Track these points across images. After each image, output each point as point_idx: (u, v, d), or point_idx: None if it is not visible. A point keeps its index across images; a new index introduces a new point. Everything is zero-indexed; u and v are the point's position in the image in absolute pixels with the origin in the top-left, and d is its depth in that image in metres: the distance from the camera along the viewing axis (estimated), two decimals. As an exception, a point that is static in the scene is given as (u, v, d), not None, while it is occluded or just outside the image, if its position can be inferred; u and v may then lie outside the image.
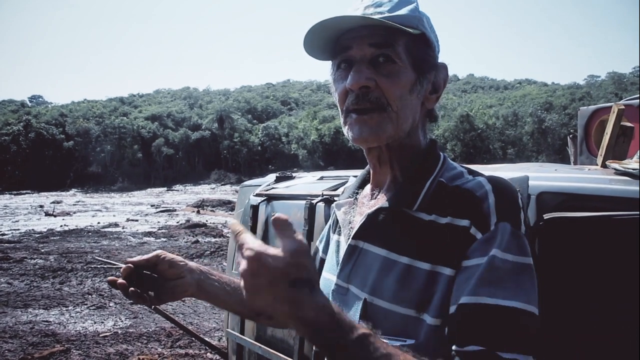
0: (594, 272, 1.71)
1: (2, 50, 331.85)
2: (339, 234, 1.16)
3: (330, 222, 1.28)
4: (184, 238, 14.92)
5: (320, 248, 1.32)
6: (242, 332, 3.07)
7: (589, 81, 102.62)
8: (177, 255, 1.17)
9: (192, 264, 1.20)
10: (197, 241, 14.08)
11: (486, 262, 0.89)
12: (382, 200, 1.08)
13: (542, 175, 1.91)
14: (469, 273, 0.90)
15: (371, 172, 1.16)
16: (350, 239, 1.09)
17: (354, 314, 1.01)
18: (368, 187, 1.17)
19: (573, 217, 1.65)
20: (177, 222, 19.42)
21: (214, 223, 18.55)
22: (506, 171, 2.25)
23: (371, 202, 1.12)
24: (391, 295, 0.97)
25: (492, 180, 0.99)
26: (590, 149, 3.53)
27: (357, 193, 1.19)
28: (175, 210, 25.38)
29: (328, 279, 1.14)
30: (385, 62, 1.01)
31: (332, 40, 1.04)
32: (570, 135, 4.12)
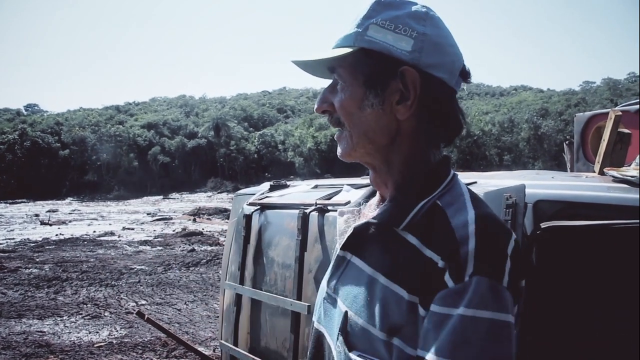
0: (593, 281, 1.69)
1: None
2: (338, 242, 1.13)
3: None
4: (180, 246, 14.88)
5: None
6: (235, 343, 3.03)
7: (584, 87, 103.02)
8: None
9: None
10: (193, 249, 14.04)
11: (454, 320, 0.83)
12: (375, 214, 1.04)
13: (539, 183, 1.89)
14: (434, 323, 0.85)
15: None
16: (339, 249, 1.07)
17: (335, 326, 1.01)
18: (374, 199, 1.12)
19: (571, 225, 1.62)
20: (173, 231, 19.38)
21: (210, 231, 18.52)
22: (502, 179, 2.23)
23: (370, 214, 1.08)
24: (367, 314, 0.94)
25: (480, 219, 0.90)
26: (587, 156, 3.51)
27: (364, 203, 1.15)
28: (171, 219, 25.34)
29: (322, 287, 1.11)
30: (337, 84, 1.02)
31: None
32: (567, 142, 4.10)
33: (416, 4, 1.00)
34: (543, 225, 1.63)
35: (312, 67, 1.07)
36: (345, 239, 1.04)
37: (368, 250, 1.00)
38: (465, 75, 1.02)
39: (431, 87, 0.97)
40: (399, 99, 0.97)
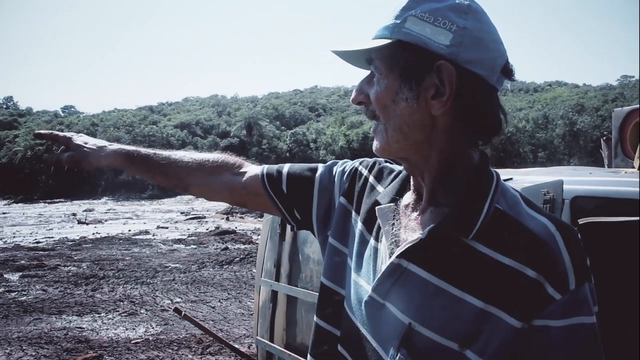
0: (632, 278, 1.66)
1: (36, 63, 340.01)
2: (378, 240, 1.07)
3: (363, 218, 1.14)
4: (213, 245, 15.02)
5: (347, 240, 1.16)
6: (271, 339, 3.06)
7: (622, 82, 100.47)
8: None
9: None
10: (226, 248, 14.16)
11: (575, 329, 0.89)
12: (431, 219, 0.99)
13: (577, 179, 1.86)
14: (555, 337, 0.89)
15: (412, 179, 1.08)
16: (394, 257, 1.00)
17: (392, 335, 0.97)
18: (409, 194, 1.08)
19: (609, 222, 1.60)
20: (207, 229, 19.56)
21: (243, 230, 18.65)
22: (539, 175, 2.21)
23: (414, 214, 1.04)
24: (436, 324, 0.93)
25: (559, 226, 0.93)
26: (626, 151, 3.44)
27: (398, 200, 1.09)
28: (204, 217, 25.58)
29: (361, 285, 1.05)
30: (375, 76, 1.01)
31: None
32: (604, 138, 4.03)
33: None
34: (581, 221, 1.61)
35: (352, 57, 1.05)
36: (403, 248, 0.98)
37: (429, 259, 0.96)
38: (508, 72, 0.99)
39: (469, 84, 0.93)
40: (434, 94, 0.94)
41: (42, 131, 1.46)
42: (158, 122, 75.90)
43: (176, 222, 24.30)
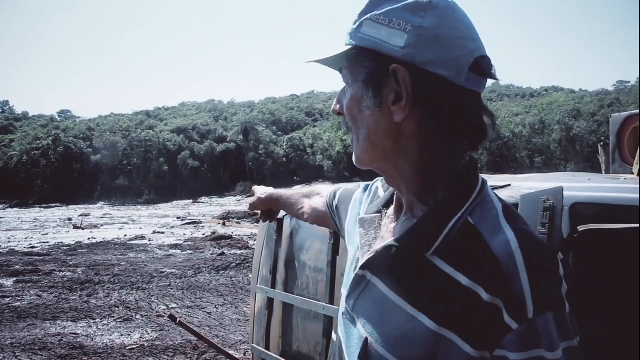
0: (633, 285, 1.64)
1: (32, 67, 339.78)
2: (360, 253, 1.03)
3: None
4: (209, 250, 14.99)
5: (349, 250, 1.15)
6: (267, 347, 3.03)
7: (618, 87, 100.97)
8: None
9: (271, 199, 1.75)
10: (222, 253, 14.11)
11: None
12: (400, 230, 0.94)
13: (576, 186, 1.85)
14: None
15: None
16: (358, 268, 0.98)
17: (355, 350, 0.94)
18: (393, 206, 1.03)
19: (609, 229, 1.58)
20: (203, 235, 19.52)
21: (239, 235, 18.61)
22: (537, 181, 2.19)
23: (391, 225, 0.99)
24: (390, 343, 0.87)
25: (525, 244, 0.81)
26: (624, 157, 3.43)
27: (384, 210, 1.05)
28: (201, 223, 25.55)
29: (342, 300, 1.04)
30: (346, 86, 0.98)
31: None
32: (601, 143, 4.02)
33: None
34: (580, 228, 1.60)
35: (335, 66, 1.02)
36: (366, 258, 0.96)
37: (391, 272, 0.92)
38: (480, 70, 0.89)
39: (431, 86, 0.87)
40: (395, 100, 0.88)
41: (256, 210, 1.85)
42: (155, 126, 75.94)
43: (172, 227, 24.27)
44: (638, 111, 3.47)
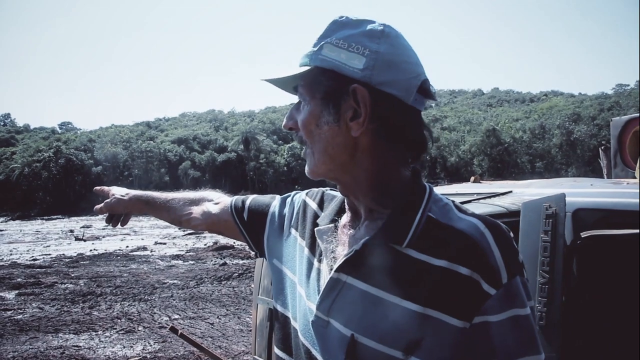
0: (634, 290, 1.62)
1: (32, 80, 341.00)
2: (320, 262, 1.10)
3: (307, 243, 1.17)
4: (211, 260, 14.97)
5: (295, 268, 1.18)
6: (269, 359, 3.01)
7: (618, 90, 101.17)
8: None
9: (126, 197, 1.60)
10: (224, 263, 14.11)
11: (512, 322, 0.91)
12: (366, 232, 1.03)
13: (578, 191, 1.83)
14: (495, 331, 0.90)
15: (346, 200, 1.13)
16: (332, 272, 1.02)
17: (338, 350, 0.98)
18: (346, 214, 1.12)
19: (613, 234, 1.56)
20: (205, 245, 19.53)
21: (241, 245, 18.51)
22: (539, 188, 2.17)
23: (352, 231, 1.07)
24: (378, 334, 0.94)
25: (488, 224, 0.96)
26: (626, 161, 3.41)
27: (337, 220, 1.13)
28: (202, 233, 25.50)
29: (308, 307, 1.07)
30: (300, 103, 1.06)
31: None
32: (602, 147, 4.00)
33: (374, 22, 1.01)
34: (584, 234, 1.58)
35: (286, 84, 1.09)
36: (340, 262, 1.02)
37: (366, 270, 0.99)
38: (426, 92, 1.01)
39: (385, 105, 0.98)
40: (352, 116, 0.98)
41: (97, 187, 1.71)
42: (155, 137, 76.10)
43: (174, 237, 24.26)
44: (639, 114, 3.45)
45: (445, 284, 0.91)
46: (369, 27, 1.00)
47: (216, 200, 1.47)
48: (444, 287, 0.91)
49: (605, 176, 3.93)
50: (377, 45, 0.98)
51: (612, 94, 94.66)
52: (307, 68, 1.01)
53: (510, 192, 2.07)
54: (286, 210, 1.29)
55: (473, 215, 0.98)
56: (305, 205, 1.25)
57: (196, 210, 1.48)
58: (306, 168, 1.08)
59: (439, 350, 0.90)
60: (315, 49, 1.01)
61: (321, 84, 1.00)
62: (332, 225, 1.12)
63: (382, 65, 0.97)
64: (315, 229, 1.14)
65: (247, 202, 1.38)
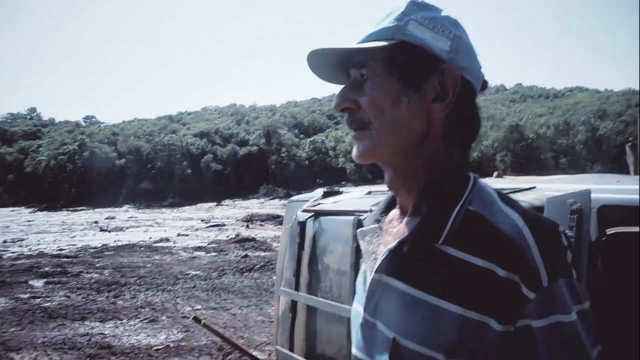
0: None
1: (57, 74, 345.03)
2: (366, 264, 1.07)
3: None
4: (233, 252, 15.06)
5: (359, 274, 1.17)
6: (291, 349, 3.06)
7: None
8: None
9: None
10: (246, 255, 14.17)
11: (553, 329, 0.84)
12: (406, 229, 0.98)
13: (604, 188, 1.83)
14: (537, 337, 0.84)
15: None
16: (373, 273, 1.00)
17: (383, 353, 0.95)
18: (394, 211, 1.07)
19: (639, 232, 1.56)
20: (227, 237, 19.61)
21: (263, 237, 18.64)
22: (564, 183, 2.18)
23: (395, 229, 1.03)
24: (419, 336, 0.90)
25: (530, 221, 0.89)
26: (652, 158, 3.38)
27: (382, 219, 1.09)
28: (224, 225, 25.66)
29: (357, 311, 1.07)
30: (365, 80, 0.98)
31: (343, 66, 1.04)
32: (629, 144, 3.97)
33: (441, 9, 1.00)
34: (609, 231, 1.58)
35: (326, 67, 1.04)
36: (378, 262, 0.99)
37: (405, 269, 0.95)
38: (484, 85, 1.02)
39: (464, 90, 0.96)
40: (435, 98, 0.95)
41: None
42: (177, 131, 76.40)
43: (196, 229, 24.41)
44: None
45: (485, 285, 0.85)
46: (446, 14, 0.98)
47: None
48: (484, 288, 0.86)
49: (632, 173, 3.90)
50: (457, 31, 0.97)
51: None
52: (382, 44, 0.94)
53: (534, 187, 2.07)
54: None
55: (516, 208, 0.92)
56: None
57: None
58: (357, 151, 1.00)
59: (481, 355, 0.85)
60: (401, 23, 0.94)
61: (402, 60, 0.95)
62: (376, 225, 1.08)
63: (464, 50, 0.96)
64: (357, 230, 1.12)
65: None
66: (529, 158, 57.70)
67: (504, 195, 0.96)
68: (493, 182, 3.20)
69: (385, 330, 0.96)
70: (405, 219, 1.00)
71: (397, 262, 0.96)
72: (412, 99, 0.95)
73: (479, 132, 1.02)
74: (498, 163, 56.16)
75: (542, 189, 2.05)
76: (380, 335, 0.97)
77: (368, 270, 1.04)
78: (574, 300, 0.85)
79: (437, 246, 0.91)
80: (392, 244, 0.96)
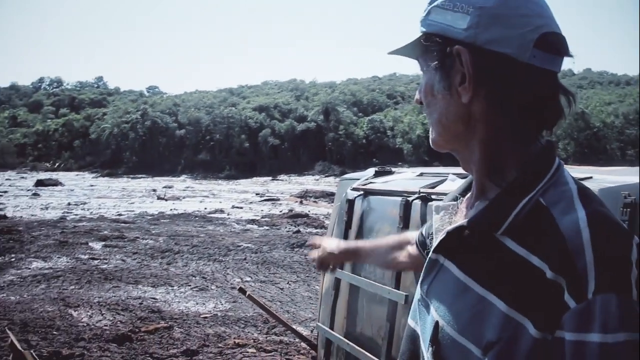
0: None
1: (123, 45, 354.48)
2: (434, 237, 1.05)
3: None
4: (285, 227, 15.20)
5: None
6: (331, 327, 3.07)
7: None
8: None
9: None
10: (298, 231, 14.28)
11: (591, 349, 0.74)
12: (471, 214, 0.95)
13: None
14: (568, 353, 0.76)
15: None
16: (431, 252, 0.99)
17: (427, 333, 0.95)
18: (470, 193, 1.04)
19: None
20: (280, 212, 19.81)
21: (316, 214, 18.73)
22: (622, 175, 2.07)
23: (466, 211, 1.00)
24: (460, 324, 0.88)
25: (593, 221, 0.79)
26: None
27: (460, 198, 1.06)
28: (278, 200, 25.93)
29: (418, 287, 1.06)
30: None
31: None
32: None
33: None
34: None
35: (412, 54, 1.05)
36: (437, 242, 0.98)
37: (463, 254, 0.93)
38: (548, 47, 0.88)
39: (494, 65, 0.88)
40: (461, 81, 0.90)
41: (311, 241, 1.81)
42: (237, 104, 77.34)
43: (251, 202, 24.78)
44: None
45: (534, 284, 0.79)
46: None
47: (411, 240, 1.45)
48: (532, 287, 0.80)
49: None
50: (483, 1, 0.88)
51: None
52: (419, 36, 0.97)
53: (590, 177, 1.98)
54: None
55: (589, 206, 0.83)
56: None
57: (401, 255, 1.51)
58: (430, 140, 1.02)
59: (512, 359, 0.80)
60: (425, 14, 0.95)
61: (431, 50, 0.94)
62: (453, 202, 1.06)
63: (487, 21, 0.87)
64: (429, 204, 1.10)
65: (423, 229, 1.34)
66: (594, 148, 55.72)
67: (584, 189, 0.88)
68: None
69: (433, 312, 0.95)
70: (477, 202, 0.97)
71: (456, 246, 0.94)
72: (443, 86, 0.93)
73: (556, 110, 0.91)
74: (560, 151, 54.47)
75: (598, 180, 1.96)
76: (430, 316, 0.97)
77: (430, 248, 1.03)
78: (623, 324, 0.74)
79: (497, 236, 0.87)
80: (451, 226, 0.95)
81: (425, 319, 0.99)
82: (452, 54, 0.90)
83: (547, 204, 0.85)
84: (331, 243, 1.71)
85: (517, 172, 0.90)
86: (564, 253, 0.78)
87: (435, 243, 0.99)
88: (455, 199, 1.07)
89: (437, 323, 0.92)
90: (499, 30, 0.87)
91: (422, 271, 1.03)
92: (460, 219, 0.99)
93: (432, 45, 0.94)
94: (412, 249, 1.43)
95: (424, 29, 0.95)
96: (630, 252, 0.78)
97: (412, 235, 1.46)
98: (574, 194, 0.86)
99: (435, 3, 0.94)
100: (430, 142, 1.01)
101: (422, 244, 1.30)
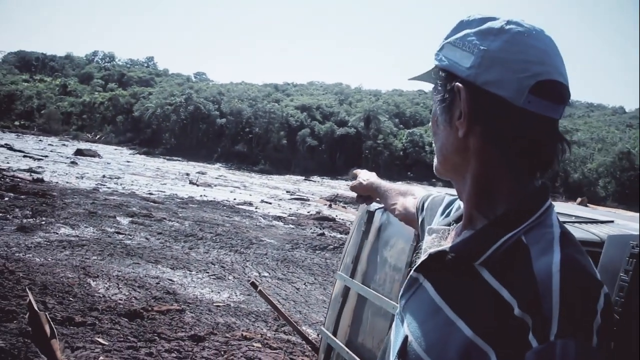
0: None
1: (176, 29, 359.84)
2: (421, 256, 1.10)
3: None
4: (311, 228, 15.24)
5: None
6: (335, 333, 3.08)
7: None
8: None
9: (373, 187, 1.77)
10: (323, 234, 14.29)
11: None
12: (456, 240, 0.99)
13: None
14: None
15: None
16: (412, 270, 1.04)
17: (397, 345, 1.00)
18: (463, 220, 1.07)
19: None
20: (308, 212, 19.90)
21: (342, 219, 18.72)
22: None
23: (454, 238, 1.04)
24: (427, 344, 0.92)
25: (568, 268, 0.81)
26: None
27: (453, 224, 1.10)
28: (308, 200, 26.01)
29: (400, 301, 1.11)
30: None
31: None
32: None
33: (497, 19, 0.95)
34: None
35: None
36: (419, 261, 1.03)
37: (441, 277, 0.97)
38: (544, 94, 0.90)
39: (489, 105, 0.91)
40: (459, 116, 0.95)
41: (354, 171, 1.92)
42: (280, 100, 77.74)
43: (280, 199, 24.93)
44: None
45: (501, 317, 0.82)
46: (488, 24, 0.94)
47: (416, 195, 1.52)
48: (499, 320, 0.83)
49: None
50: (489, 43, 0.92)
51: None
52: (432, 68, 1.04)
53: (612, 222, 1.96)
54: (441, 208, 1.28)
55: (566, 251, 0.85)
56: (452, 205, 1.24)
57: (400, 202, 1.59)
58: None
59: None
60: (438, 49, 1.02)
61: (437, 83, 1.01)
62: (446, 227, 1.10)
63: (489, 63, 0.91)
64: (427, 227, 1.15)
65: (430, 198, 1.39)
66: (636, 190, 54.17)
67: (566, 234, 0.90)
68: (572, 208, 3.04)
69: (405, 327, 1.00)
70: (464, 231, 1.01)
71: (436, 268, 0.98)
72: (446, 119, 0.99)
73: (548, 156, 0.93)
74: (600, 189, 53.32)
75: (619, 225, 1.94)
76: (402, 330, 1.01)
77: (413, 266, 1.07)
78: None
79: (475, 265, 0.91)
80: (434, 249, 0.99)
81: (398, 332, 1.03)
82: (453, 90, 0.96)
83: (528, 242, 0.88)
84: (364, 175, 1.83)
85: (506, 208, 0.93)
86: (533, 293, 0.80)
87: (418, 262, 1.04)
88: (449, 224, 1.12)
89: (406, 337, 0.97)
90: (498, 73, 0.91)
91: (403, 286, 1.07)
92: (447, 244, 1.02)
93: (439, 79, 1.00)
94: (411, 202, 1.51)
95: (436, 63, 1.01)
96: (597, 301, 0.80)
97: (420, 191, 1.54)
98: (554, 237, 0.88)
99: (449, 39, 1.00)
100: (433, 168, 1.07)
101: (420, 208, 1.40)
